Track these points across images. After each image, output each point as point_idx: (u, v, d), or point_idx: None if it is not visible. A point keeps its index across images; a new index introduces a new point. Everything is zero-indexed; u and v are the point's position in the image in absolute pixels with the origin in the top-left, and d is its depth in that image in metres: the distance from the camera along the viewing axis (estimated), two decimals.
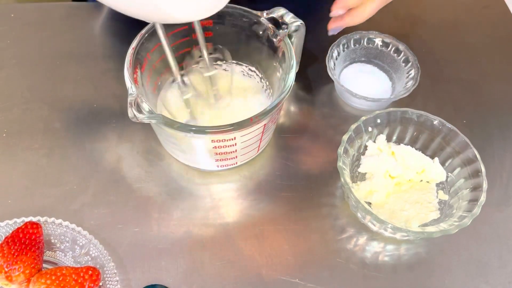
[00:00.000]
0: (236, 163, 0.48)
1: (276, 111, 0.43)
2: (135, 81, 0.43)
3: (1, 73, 0.58)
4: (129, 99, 0.40)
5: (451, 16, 0.65)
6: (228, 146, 0.44)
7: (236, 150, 0.45)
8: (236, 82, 0.53)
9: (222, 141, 0.42)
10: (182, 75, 0.47)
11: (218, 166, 0.48)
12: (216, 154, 0.45)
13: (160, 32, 0.42)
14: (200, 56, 0.48)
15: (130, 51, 0.44)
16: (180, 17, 0.36)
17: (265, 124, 0.44)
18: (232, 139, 0.43)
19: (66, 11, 0.64)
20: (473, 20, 0.65)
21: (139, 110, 0.40)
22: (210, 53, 0.48)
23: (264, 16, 0.46)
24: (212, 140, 0.42)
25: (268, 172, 0.51)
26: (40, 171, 0.50)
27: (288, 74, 0.44)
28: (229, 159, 0.47)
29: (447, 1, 0.67)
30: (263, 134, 0.45)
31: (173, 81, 0.51)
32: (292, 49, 0.45)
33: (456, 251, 0.46)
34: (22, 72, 0.58)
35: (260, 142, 0.47)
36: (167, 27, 0.47)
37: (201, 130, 0.40)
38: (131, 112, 0.40)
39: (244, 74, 0.53)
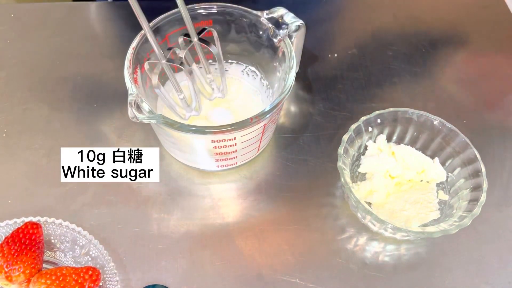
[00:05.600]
0: (236, 163, 0.48)
1: (276, 111, 0.43)
2: (135, 81, 0.43)
3: (1, 73, 0.58)
4: (129, 99, 0.40)
5: (451, 16, 0.65)
6: (228, 146, 0.44)
7: (236, 150, 0.45)
8: (237, 82, 0.53)
9: (222, 141, 0.42)
10: (167, 61, 0.44)
11: (218, 166, 0.48)
12: (216, 154, 0.45)
13: (136, 10, 0.39)
14: (190, 41, 0.45)
15: (130, 51, 0.44)
16: None
17: (265, 124, 0.44)
18: (232, 139, 0.43)
19: (66, 11, 0.64)
20: (473, 20, 0.65)
21: (139, 110, 0.40)
22: (198, 33, 0.45)
23: (264, 16, 0.46)
24: (212, 140, 0.42)
25: (268, 172, 0.51)
26: (40, 171, 0.50)
27: (288, 74, 0.43)
28: (229, 159, 0.47)
29: (447, 1, 0.67)
30: (263, 134, 0.45)
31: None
32: (292, 49, 0.45)
33: (456, 251, 0.46)
34: (22, 72, 0.58)
35: (260, 142, 0.47)
36: (168, 27, 0.47)
37: (201, 130, 0.40)
38: (131, 112, 0.39)
39: (244, 74, 0.53)
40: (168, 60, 0.43)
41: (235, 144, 0.43)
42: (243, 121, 0.40)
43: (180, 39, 0.46)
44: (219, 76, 0.49)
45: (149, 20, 0.44)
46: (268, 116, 0.41)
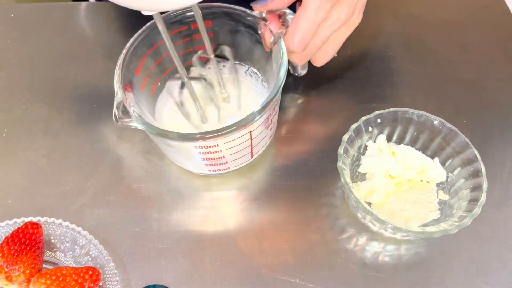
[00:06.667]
0: (229, 168, 0.48)
1: (265, 117, 0.41)
2: (125, 87, 0.42)
3: (1, 73, 0.58)
4: (115, 103, 0.40)
5: (451, 16, 0.65)
6: (214, 153, 0.43)
7: (224, 157, 0.44)
8: (240, 84, 0.53)
9: (205, 147, 0.42)
10: (189, 78, 0.46)
11: (210, 171, 0.47)
12: (204, 159, 0.44)
13: (164, 33, 0.40)
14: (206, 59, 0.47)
15: (121, 56, 0.43)
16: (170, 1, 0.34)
17: (251, 131, 0.42)
18: (216, 146, 0.41)
19: (66, 11, 0.64)
20: (473, 20, 0.65)
21: (126, 114, 0.40)
22: (214, 50, 0.47)
23: (263, 15, 0.46)
24: (194, 147, 0.41)
25: (268, 172, 0.51)
26: (40, 171, 0.50)
27: (277, 80, 0.41)
28: (220, 164, 0.46)
29: (447, 1, 0.67)
30: (251, 140, 0.44)
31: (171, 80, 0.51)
32: (285, 53, 0.43)
33: (456, 251, 0.46)
34: (22, 72, 0.58)
35: (252, 148, 0.46)
36: (166, 27, 0.47)
37: (186, 137, 0.39)
38: (114, 117, 0.40)
39: (247, 76, 0.53)
40: (190, 78, 0.45)
41: (220, 150, 0.43)
42: (223, 128, 0.39)
43: (194, 58, 0.47)
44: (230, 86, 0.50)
45: (147, 20, 0.44)
46: (252, 122, 0.39)
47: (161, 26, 0.39)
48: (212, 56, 0.46)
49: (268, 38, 0.44)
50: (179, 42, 0.48)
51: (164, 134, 0.39)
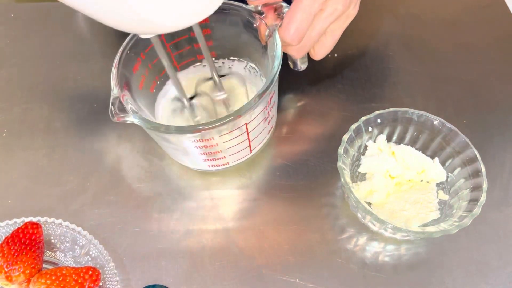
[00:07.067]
0: (228, 163, 0.47)
1: (260, 108, 0.41)
2: (123, 84, 0.42)
3: (1, 72, 0.58)
4: (111, 99, 0.40)
5: (451, 16, 0.65)
6: (211, 146, 0.43)
7: (221, 151, 0.44)
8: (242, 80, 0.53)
9: (201, 140, 0.41)
10: (191, 98, 0.46)
11: (209, 166, 0.47)
12: (202, 154, 0.44)
13: (162, 56, 0.40)
14: (210, 78, 0.46)
15: (118, 54, 0.43)
16: (166, 24, 0.31)
17: (246, 123, 0.42)
18: (212, 139, 0.41)
19: (66, 11, 0.64)
20: (473, 20, 0.65)
21: (122, 110, 0.40)
22: (221, 76, 0.47)
23: (258, 9, 0.45)
24: (191, 141, 0.41)
25: (268, 172, 0.51)
26: (40, 171, 0.50)
27: (271, 71, 0.41)
28: (218, 159, 0.46)
29: (447, 1, 0.67)
30: (248, 133, 0.44)
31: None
32: (279, 44, 0.42)
33: (456, 251, 0.46)
34: (22, 72, 0.58)
35: (250, 142, 0.46)
36: (167, 36, 0.47)
37: (181, 130, 0.39)
38: (110, 112, 0.40)
39: (246, 71, 0.53)
40: (191, 98, 0.45)
41: (217, 144, 0.42)
42: (213, 121, 0.38)
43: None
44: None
45: None
46: (246, 113, 0.39)
47: (159, 49, 0.38)
48: (216, 78, 0.45)
49: (263, 31, 0.44)
50: (180, 51, 0.48)
51: (159, 127, 0.39)
